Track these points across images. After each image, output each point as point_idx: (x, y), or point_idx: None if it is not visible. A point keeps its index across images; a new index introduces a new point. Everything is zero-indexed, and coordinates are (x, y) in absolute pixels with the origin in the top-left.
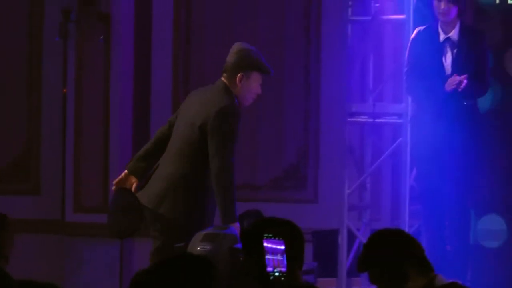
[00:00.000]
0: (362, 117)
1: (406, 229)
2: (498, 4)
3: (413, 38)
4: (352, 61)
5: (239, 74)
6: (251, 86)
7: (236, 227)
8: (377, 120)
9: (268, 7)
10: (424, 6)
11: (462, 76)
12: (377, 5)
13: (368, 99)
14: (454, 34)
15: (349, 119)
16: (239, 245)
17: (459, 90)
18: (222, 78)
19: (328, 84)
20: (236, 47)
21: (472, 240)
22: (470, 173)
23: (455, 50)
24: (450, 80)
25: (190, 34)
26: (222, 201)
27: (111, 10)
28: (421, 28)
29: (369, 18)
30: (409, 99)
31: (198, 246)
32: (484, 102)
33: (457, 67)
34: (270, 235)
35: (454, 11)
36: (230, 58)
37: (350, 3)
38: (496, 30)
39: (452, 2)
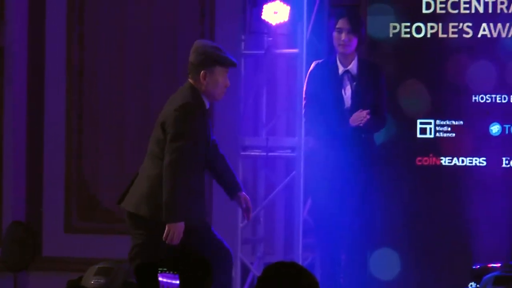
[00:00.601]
0: (256, 150)
1: (300, 262)
2: (391, 37)
3: (311, 71)
4: (246, 94)
5: (201, 72)
6: (217, 81)
7: (175, 227)
8: (270, 153)
9: (161, 42)
10: (318, 40)
11: (365, 111)
12: (270, 39)
13: (262, 133)
14: (353, 67)
15: (242, 153)
16: (133, 279)
17: (361, 125)
18: (189, 79)
19: (221, 118)
20: (194, 45)
21: (366, 273)
22: (366, 205)
23: (354, 83)
24: (355, 116)
25: (84, 69)
26: (165, 198)
27: (4, 43)
28: (319, 61)
29: (262, 52)
30: (303, 132)
31: (92, 280)
32: (379, 134)
33: (357, 100)
34: (165, 268)
35: (354, 42)
36: (191, 57)
37: (243, 37)
38: (388, 64)
39: (353, 33)
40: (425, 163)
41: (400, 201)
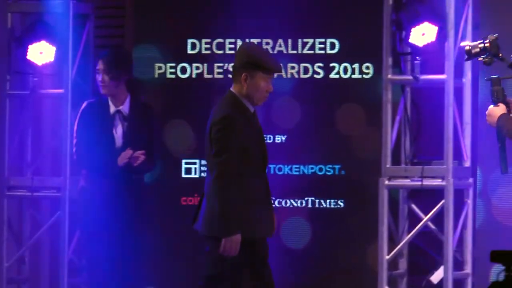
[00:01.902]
0: (21, 190)
1: None
2: (157, 78)
3: (83, 110)
4: (11, 134)
5: (243, 74)
6: (258, 85)
7: (231, 240)
8: (35, 193)
9: None
10: (82, 80)
11: (139, 152)
12: (36, 79)
13: (27, 173)
14: (125, 107)
15: (7, 193)
16: None
17: (135, 164)
18: (231, 88)
19: None
20: (239, 48)
21: None
22: (135, 243)
23: (125, 123)
24: (123, 154)
25: None
26: (217, 211)
27: None
28: (92, 100)
29: (28, 92)
30: (68, 172)
31: None
32: (148, 174)
33: (128, 140)
34: None
35: (112, 83)
36: (234, 60)
37: (8, 77)
38: (155, 104)
39: (109, 74)
40: (190, 203)
41: (166, 239)
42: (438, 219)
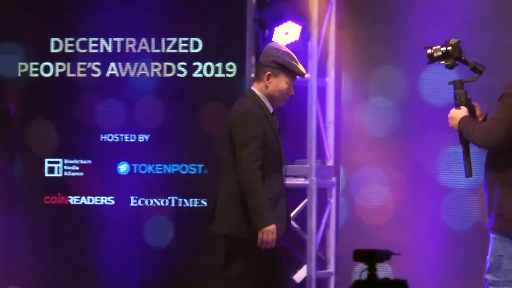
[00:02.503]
0: None
1: None
2: (20, 77)
3: None
4: None
5: (266, 73)
6: (280, 86)
7: (268, 231)
8: None
9: None
10: None
11: None
12: None
13: None
14: None
15: None
16: None
17: None
18: (253, 86)
19: None
20: (266, 46)
21: None
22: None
23: None
24: None
25: None
26: (249, 205)
27: None
28: None
29: None
30: None
31: None
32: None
33: None
34: None
35: None
36: (260, 58)
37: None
38: (18, 103)
39: None
40: (53, 202)
41: (30, 238)
42: (302, 218)
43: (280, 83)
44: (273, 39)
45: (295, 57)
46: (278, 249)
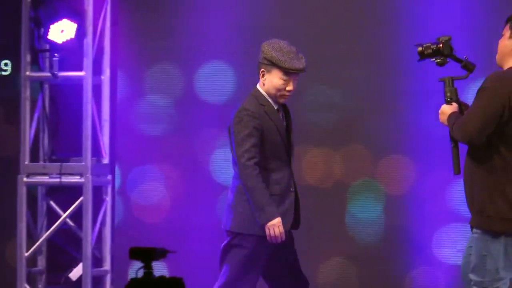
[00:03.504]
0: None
1: None
2: None
3: None
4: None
5: (261, 70)
6: (273, 83)
7: (273, 225)
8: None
9: None
10: None
11: None
12: None
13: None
14: None
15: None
16: None
17: None
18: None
19: None
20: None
21: None
22: None
23: None
24: None
25: None
26: (252, 201)
27: None
28: None
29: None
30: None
31: None
32: None
33: None
34: None
35: None
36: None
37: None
38: None
39: None
40: None
41: None
42: (77, 216)
43: (274, 79)
44: (48, 37)
45: (291, 51)
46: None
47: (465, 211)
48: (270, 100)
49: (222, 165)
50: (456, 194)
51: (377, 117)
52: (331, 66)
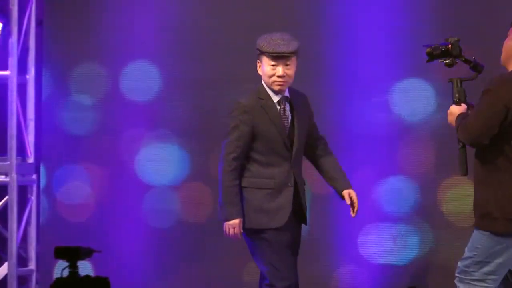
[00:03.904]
0: None
1: None
2: None
3: None
4: None
5: (257, 62)
6: (265, 70)
7: (228, 225)
8: None
9: None
10: None
11: None
12: None
13: None
14: None
15: None
16: None
17: None
18: None
19: None
20: None
21: None
22: None
23: None
24: None
25: None
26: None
27: None
28: None
29: None
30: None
31: None
32: None
33: None
34: None
35: None
36: None
37: None
38: None
39: None
40: None
41: None
42: (2, 215)
43: (265, 67)
44: None
45: (280, 38)
46: (288, 236)
47: (391, 210)
48: (271, 93)
49: (147, 164)
50: (382, 193)
51: None
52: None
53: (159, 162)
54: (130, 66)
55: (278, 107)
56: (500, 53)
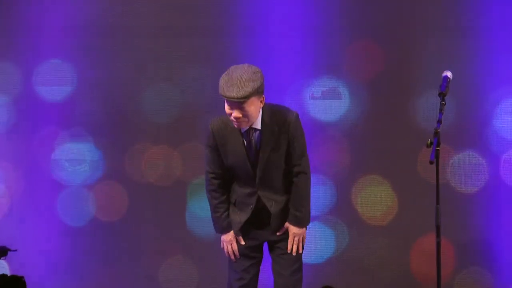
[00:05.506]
0: None
1: None
2: None
3: None
4: None
5: None
6: (225, 109)
7: (223, 241)
8: None
9: None
10: None
11: None
12: None
13: None
14: None
15: None
16: None
17: None
18: None
19: None
20: None
21: None
22: None
23: None
24: None
25: None
26: None
27: None
28: None
29: None
30: None
31: None
32: None
33: None
34: None
35: None
36: None
37: None
38: None
39: None
40: None
41: None
42: None
43: (225, 103)
44: None
45: (236, 78)
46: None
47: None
48: None
49: (61, 163)
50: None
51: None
52: (173, 63)
53: (74, 161)
54: (43, 65)
55: (243, 137)
56: (412, 51)
